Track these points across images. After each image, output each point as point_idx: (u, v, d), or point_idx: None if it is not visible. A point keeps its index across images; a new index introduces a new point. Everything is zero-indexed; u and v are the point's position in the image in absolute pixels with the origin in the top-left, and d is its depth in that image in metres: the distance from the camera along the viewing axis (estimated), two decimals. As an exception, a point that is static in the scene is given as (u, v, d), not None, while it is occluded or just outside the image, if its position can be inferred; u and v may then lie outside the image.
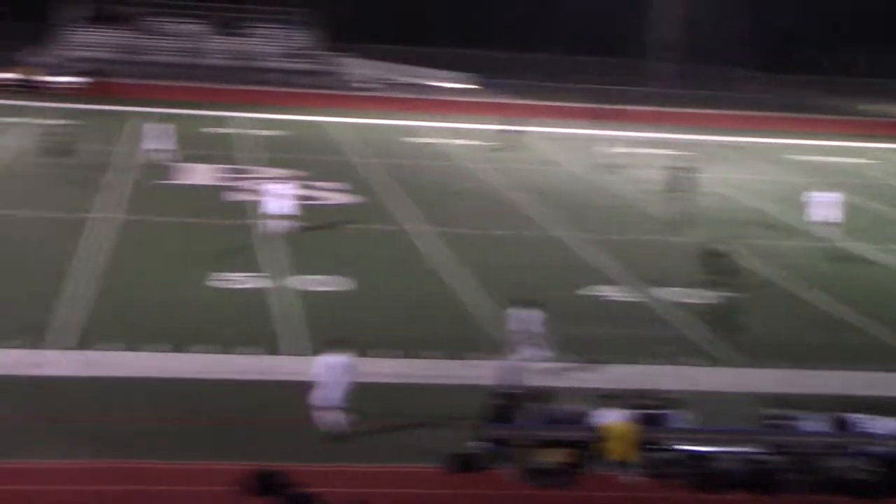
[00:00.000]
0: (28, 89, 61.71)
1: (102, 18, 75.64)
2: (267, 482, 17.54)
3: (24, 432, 19.47)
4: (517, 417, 19.55)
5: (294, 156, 47.81)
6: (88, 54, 70.89)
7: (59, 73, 65.05)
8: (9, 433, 19.36)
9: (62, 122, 49.86)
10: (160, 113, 53.48)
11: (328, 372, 19.88)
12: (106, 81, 65.34)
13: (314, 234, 34.39)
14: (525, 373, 21.34)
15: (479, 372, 21.35)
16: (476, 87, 75.43)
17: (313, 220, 35.48)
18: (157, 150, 44.36)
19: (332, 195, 40.66)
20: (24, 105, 56.12)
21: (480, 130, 56.12)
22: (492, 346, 24.28)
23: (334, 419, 19.82)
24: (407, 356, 24.42)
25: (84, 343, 23.94)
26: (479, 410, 19.70)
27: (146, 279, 28.81)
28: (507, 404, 19.78)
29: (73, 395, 21.30)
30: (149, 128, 45.96)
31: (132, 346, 23.79)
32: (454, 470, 18.86)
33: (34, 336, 24.02)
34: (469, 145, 53.92)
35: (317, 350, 21.34)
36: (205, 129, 53.65)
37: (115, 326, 24.99)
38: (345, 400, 19.80)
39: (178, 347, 23.96)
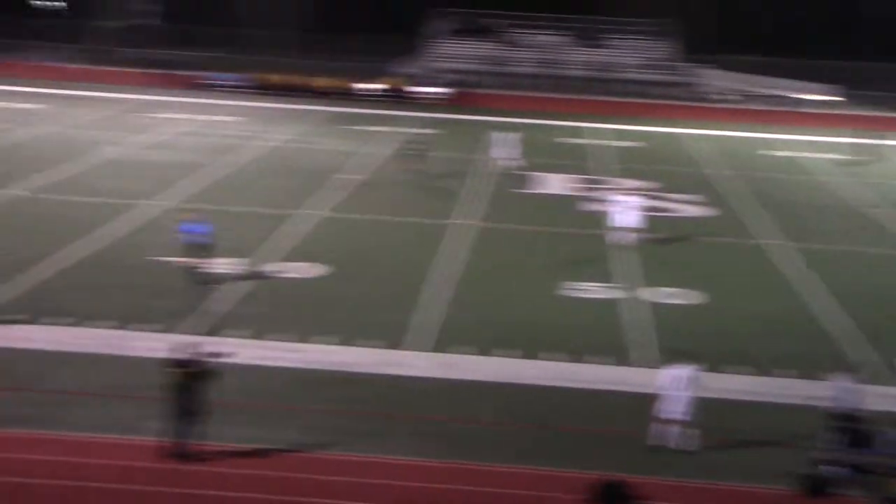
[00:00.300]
0: (396, 99, 64.77)
1: (467, 31, 78.40)
2: (612, 492, 17.73)
3: (379, 428, 20.49)
4: (872, 443, 18.78)
5: (649, 167, 47.80)
6: (453, 66, 73.62)
7: (425, 83, 67.92)
8: (364, 428, 20.43)
9: (425, 131, 51.99)
10: (517, 123, 54.71)
11: (673, 384, 19.83)
12: (468, 92, 67.65)
13: (667, 246, 34.26)
14: (865, 395, 20.38)
15: (832, 393, 20.62)
16: (839, 98, 72.67)
17: (667, 231, 35.39)
18: (507, 159, 45.46)
19: (686, 207, 40.34)
20: (392, 115, 58.87)
21: (840, 143, 54.08)
22: (848, 366, 23.40)
23: (676, 433, 19.75)
24: (758, 373, 23.98)
25: (440, 345, 24.90)
26: (828, 433, 19.09)
27: (500, 285, 29.62)
28: (857, 428, 19.05)
29: (427, 395, 22.23)
30: (498, 137, 47.15)
31: (485, 351, 24.56)
32: (803, 493, 18.37)
33: (394, 337, 25.22)
34: (827, 158, 52.11)
35: (666, 363, 21.28)
36: (561, 139, 54.47)
37: (470, 330, 25.84)
38: (688, 414, 19.70)
39: (528, 354, 24.52)
